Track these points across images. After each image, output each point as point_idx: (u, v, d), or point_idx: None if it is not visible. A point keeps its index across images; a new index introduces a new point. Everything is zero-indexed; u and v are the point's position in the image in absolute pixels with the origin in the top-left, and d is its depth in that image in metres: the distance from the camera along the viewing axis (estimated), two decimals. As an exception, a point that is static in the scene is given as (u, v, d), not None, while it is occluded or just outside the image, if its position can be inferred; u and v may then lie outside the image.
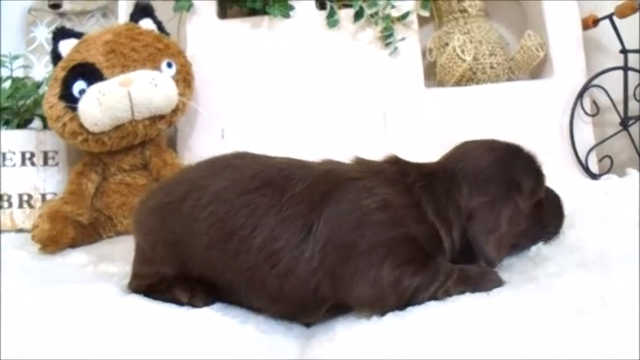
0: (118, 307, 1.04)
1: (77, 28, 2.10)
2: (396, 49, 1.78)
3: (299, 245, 0.93)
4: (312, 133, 1.70)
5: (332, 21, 1.76)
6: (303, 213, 0.95)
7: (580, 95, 1.73)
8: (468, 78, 1.83)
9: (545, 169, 1.15)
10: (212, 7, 1.84)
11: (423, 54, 1.91)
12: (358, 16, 1.76)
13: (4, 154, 1.69)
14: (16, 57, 1.87)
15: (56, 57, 1.61)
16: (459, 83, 1.83)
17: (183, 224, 1.01)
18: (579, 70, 1.76)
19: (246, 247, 0.95)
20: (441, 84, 1.87)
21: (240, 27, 1.83)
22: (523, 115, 1.76)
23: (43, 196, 1.71)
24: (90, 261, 1.40)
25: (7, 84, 1.83)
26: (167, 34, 1.69)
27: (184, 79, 1.60)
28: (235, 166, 1.06)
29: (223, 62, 1.79)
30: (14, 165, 1.69)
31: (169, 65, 1.58)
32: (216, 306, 1.05)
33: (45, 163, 1.72)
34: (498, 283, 0.95)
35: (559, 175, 1.64)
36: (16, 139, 1.70)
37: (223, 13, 1.89)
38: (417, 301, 0.91)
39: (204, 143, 1.71)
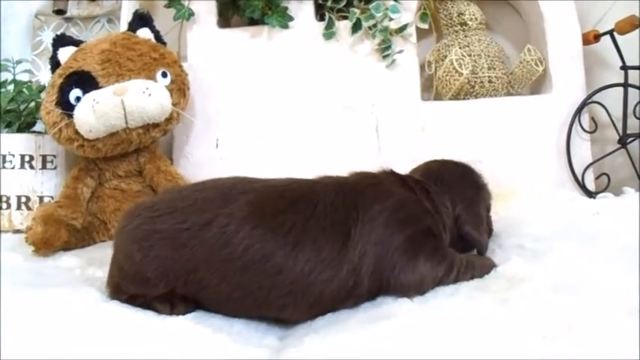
0: (94, 313, 1.05)
1: (83, 33, 2.15)
2: (393, 61, 1.77)
3: (341, 250, 1.01)
4: (307, 144, 1.71)
5: (328, 33, 1.77)
6: (341, 221, 1.03)
7: (578, 111, 1.72)
8: (466, 92, 1.82)
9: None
10: (212, 17, 1.85)
11: (423, 67, 1.90)
12: (356, 28, 1.76)
13: (4, 157, 1.71)
14: (19, 62, 1.90)
15: (55, 64, 1.63)
16: (457, 97, 1.83)
17: (210, 250, 1.01)
18: (578, 86, 1.75)
19: (291, 264, 0.99)
20: (439, 97, 1.86)
21: (239, 36, 1.84)
22: (520, 130, 1.75)
23: (41, 198, 1.74)
24: (79, 265, 1.42)
25: (11, 87, 1.86)
26: (164, 43, 1.70)
27: (179, 88, 1.61)
28: (251, 190, 1.08)
29: (222, 71, 1.80)
30: (13, 167, 1.72)
31: (164, 75, 1.59)
32: (193, 315, 1.06)
33: (43, 166, 1.74)
34: (493, 265, 1.15)
35: (554, 191, 1.67)
36: (15, 142, 1.72)
37: (226, 22, 1.90)
38: (445, 282, 1.07)
39: (199, 151, 1.73)
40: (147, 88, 1.51)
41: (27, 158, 1.73)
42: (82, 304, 1.09)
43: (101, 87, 1.54)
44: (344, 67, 1.80)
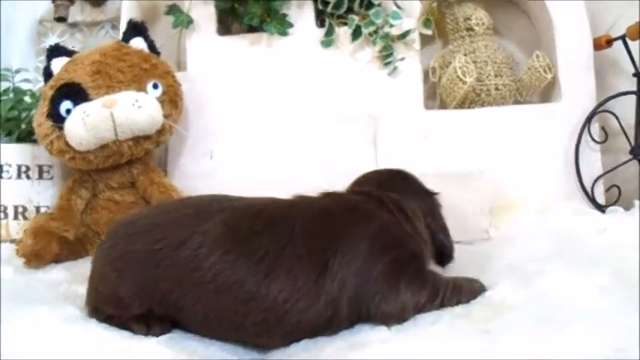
0: (69, 333, 1.03)
1: (88, 40, 2.14)
2: (395, 69, 1.72)
3: (317, 281, 0.96)
4: (302, 156, 1.65)
5: (327, 41, 1.72)
6: (318, 249, 0.99)
7: (588, 120, 1.65)
8: (472, 100, 1.76)
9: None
10: (212, 24, 1.82)
11: (427, 74, 1.84)
12: (356, 35, 1.71)
13: (1, 167, 1.70)
14: (17, 71, 1.89)
15: (48, 75, 1.62)
16: (462, 105, 1.77)
17: (182, 273, 0.99)
18: (588, 94, 1.67)
19: (264, 292, 0.95)
20: (444, 105, 1.80)
21: (238, 44, 1.80)
22: (527, 139, 1.69)
23: (37, 208, 1.72)
24: (66, 279, 1.39)
25: (12, 95, 1.85)
26: (158, 53, 1.67)
27: (170, 99, 1.58)
28: (228, 209, 1.05)
29: (220, 80, 1.76)
30: (10, 177, 1.71)
31: (155, 86, 1.56)
32: (169, 336, 1.03)
33: (40, 176, 1.73)
34: (482, 289, 1.07)
35: (560, 204, 1.60)
36: (12, 152, 1.71)
37: (226, 29, 1.86)
38: (429, 309, 1.01)
39: (194, 163, 1.69)
40: (137, 100, 1.49)
41: (23, 168, 1.72)
42: (59, 324, 1.06)
43: (91, 99, 1.51)
44: (344, 75, 1.75)
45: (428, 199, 1.22)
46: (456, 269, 1.25)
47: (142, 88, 1.54)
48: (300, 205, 1.08)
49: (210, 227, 1.00)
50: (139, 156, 1.58)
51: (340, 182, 1.23)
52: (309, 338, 1.00)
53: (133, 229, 1.07)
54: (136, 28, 1.65)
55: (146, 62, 1.58)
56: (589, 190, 1.64)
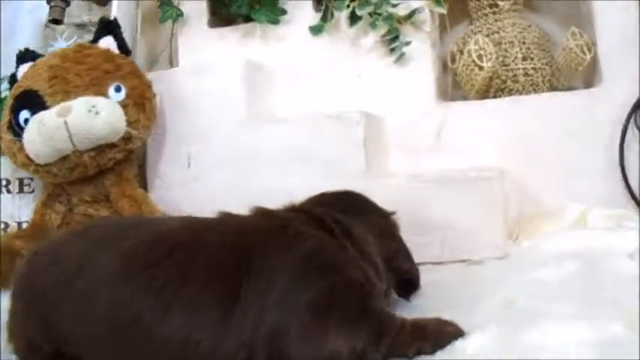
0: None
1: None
2: (402, 55, 1.48)
3: (226, 315, 0.78)
4: (287, 156, 1.41)
5: (317, 27, 1.50)
6: (228, 276, 0.81)
7: (634, 109, 1.34)
8: (497, 88, 1.49)
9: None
10: (204, 16, 1.65)
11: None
12: (354, 18, 1.47)
13: (-18, 181, 1.60)
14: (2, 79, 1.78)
15: (14, 82, 1.50)
16: (485, 94, 1.50)
17: (77, 308, 0.86)
18: (634, 78, 1.36)
19: (163, 329, 0.79)
20: (465, 96, 1.54)
21: (230, 36, 1.63)
22: (560, 133, 1.42)
23: (19, 224, 1.61)
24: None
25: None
26: (128, 52, 1.51)
27: (136, 103, 1.41)
28: (132, 234, 0.91)
29: (206, 75, 1.55)
30: (-9, 192, 1.60)
31: (118, 89, 1.40)
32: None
33: (20, 190, 1.61)
34: (458, 332, 0.82)
35: (602, 206, 1.31)
36: None
37: (221, 21, 1.68)
38: (370, 356, 0.77)
39: (171, 171, 1.51)
40: (93, 107, 1.33)
41: (4, 182, 1.60)
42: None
43: (48, 106, 1.38)
44: (344, 65, 1.53)
45: (382, 220, 1.03)
46: (438, 302, 1.02)
47: (102, 92, 1.39)
48: (216, 226, 0.91)
49: (108, 256, 0.86)
50: (108, 166, 1.42)
51: (325, 186, 1.07)
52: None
53: (41, 261, 0.94)
54: (107, 27, 1.49)
55: (109, 63, 1.42)
56: (636, 192, 1.33)
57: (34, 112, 1.38)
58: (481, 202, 1.26)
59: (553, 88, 1.50)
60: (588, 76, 1.50)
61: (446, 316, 0.86)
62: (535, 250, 1.23)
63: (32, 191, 1.62)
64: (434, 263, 1.27)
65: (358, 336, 0.77)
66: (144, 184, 1.54)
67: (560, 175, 1.40)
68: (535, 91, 1.48)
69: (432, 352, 0.79)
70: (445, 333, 0.81)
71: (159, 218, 1.01)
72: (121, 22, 1.66)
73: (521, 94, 1.48)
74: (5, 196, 1.61)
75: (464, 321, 0.87)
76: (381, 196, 1.23)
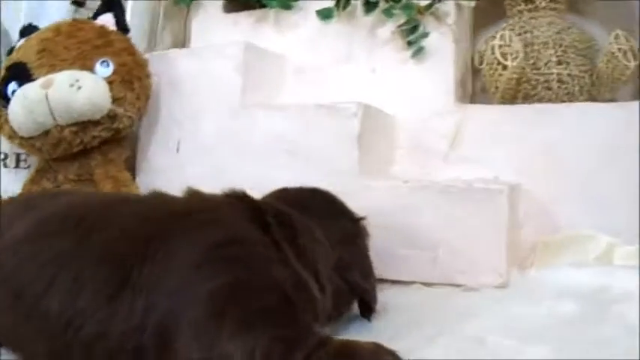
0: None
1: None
2: (421, 49, 1.33)
3: (111, 298, 0.70)
4: (276, 147, 1.27)
5: (325, 12, 1.38)
6: (117, 257, 0.73)
7: (681, 127, 1.15)
8: (526, 94, 1.31)
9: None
10: (218, 1, 1.56)
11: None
12: (370, 6, 1.34)
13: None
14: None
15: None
16: (513, 99, 1.33)
17: None
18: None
19: (42, 309, 0.72)
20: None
21: (243, 21, 1.53)
22: (591, 150, 1.22)
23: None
24: None
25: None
26: (126, 30, 1.44)
27: (123, 79, 1.33)
28: (46, 205, 0.87)
29: (215, 62, 1.45)
30: (-10, 165, 1.55)
31: (105, 64, 1.32)
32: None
33: (17, 165, 1.55)
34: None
35: (632, 241, 1.12)
36: None
37: (238, 5, 1.58)
38: None
39: (161, 156, 1.40)
40: (77, 81, 1.27)
41: (2, 156, 1.55)
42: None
43: (34, 79, 1.32)
44: (357, 56, 1.39)
45: (348, 225, 0.91)
46: (402, 326, 0.87)
47: (88, 67, 1.31)
48: (134, 204, 0.84)
49: (21, 225, 0.82)
50: (93, 145, 1.35)
51: (311, 181, 0.99)
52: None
53: None
54: (108, 4, 1.43)
55: (100, 38, 1.35)
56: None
57: (21, 83, 1.33)
58: (483, 219, 1.09)
59: (591, 100, 1.31)
60: (635, 87, 1.31)
61: (401, 343, 0.72)
62: (540, 282, 1.06)
63: (28, 167, 1.55)
64: (423, 283, 1.12)
65: (257, 342, 0.63)
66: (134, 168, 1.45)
67: (588, 200, 1.21)
68: (569, 101, 1.29)
69: None
70: None
71: (91, 192, 0.97)
72: (143, 7, 1.61)
73: (553, 102, 1.30)
74: (3, 170, 1.57)
75: (419, 352, 0.73)
76: (368, 199, 1.12)
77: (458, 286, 1.09)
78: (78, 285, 0.71)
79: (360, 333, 0.83)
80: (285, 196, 0.93)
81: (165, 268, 0.70)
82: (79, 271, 0.72)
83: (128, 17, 1.56)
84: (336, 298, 0.84)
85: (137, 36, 1.54)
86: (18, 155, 1.55)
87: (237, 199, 0.83)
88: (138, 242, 0.73)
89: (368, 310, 0.90)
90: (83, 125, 1.30)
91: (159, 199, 0.83)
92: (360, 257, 0.89)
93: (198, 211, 0.78)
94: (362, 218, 0.94)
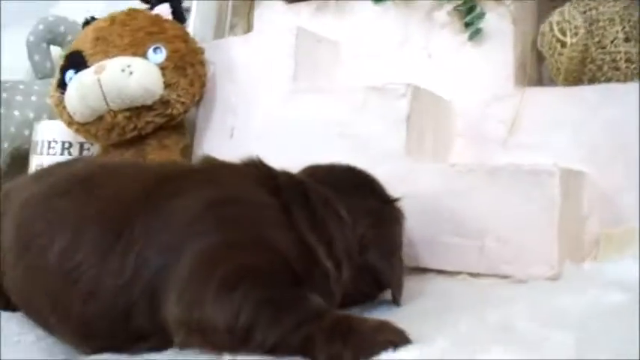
0: None
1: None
2: (478, 31, 1.27)
3: (105, 255, 0.72)
4: (332, 133, 1.24)
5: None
6: (114, 213, 0.75)
7: None
8: (592, 76, 1.22)
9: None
10: (279, -7, 1.55)
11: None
12: (426, -12, 1.29)
13: (49, 143, 1.61)
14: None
15: (73, 46, 1.52)
16: (578, 82, 1.24)
17: (4, 237, 0.86)
18: None
19: (45, 263, 0.76)
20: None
21: (304, 10, 1.51)
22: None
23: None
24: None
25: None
26: (182, 20, 1.47)
27: (176, 66, 1.35)
28: (61, 170, 0.92)
29: (274, 51, 1.45)
30: (55, 154, 1.61)
31: (157, 50, 1.35)
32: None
33: (80, 153, 1.60)
34: (399, 340, 0.63)
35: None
36: (58, 129, 1.58)
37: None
38: (254, 343, 0.61)
39: (215, 142, 1.41)
40: (128, 66, 1.30)
41: (67, 145, 1.60)
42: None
43: (89, 66, 1.36)
44: (413, 43, 1.35)
45: (377, 205, 0.87)
46: (426, 313, 0.83)
47: (140, 53, 1.35)
48: (141, 166, 0.89)
49: (36, 188, 0.87)
50: (148, 131, 1.38)
51: (359, 163, 0.97)
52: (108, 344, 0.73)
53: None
54: (166, -5, 1.46)
55: (154, 26, 1.39)
56: None
57: (77, 71, 1.37)
58: (533, 205, 1.02)
59: (667, 81, 1.21)
60: None
61: (418, 327, 0.68)
62: (594, 274, 0.98)
63: (91, 155, 1.61)
64: (469, 274, 1.06)
65: (242, 305, 0.62)
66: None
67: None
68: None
69: (354, 358, 0.61)
70: (377, 342, 0.62)
71: (107, 159, 1.00)
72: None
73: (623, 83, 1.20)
74: (67, 158, 1.62)
75: (433, 335, 0.68)
76: (414, 182, 1.08)
77: (506, 277, 1.03)
78: (76, 241, 0.74)
79: (381, 316, 0.79)
80: (315, 172, 0.90)
81: (159, 226, 0.71)
82: (78, 228, 0.75)
83: (192, 18, 1.59)
84: (360, 278, 0.80)
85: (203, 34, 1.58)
86: (82, 144, 1.61)
87: (252, 166, 0.83)
88: (135, 200, 0.75)
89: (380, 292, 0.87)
90: (136, 111, 1.33)
91: (169, 163, 0.84)
92: (384, 238, 0.85)
93: (198, 171, 0.79)
94: (395, 200, 0.90)
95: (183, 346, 0.67)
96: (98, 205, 0.76)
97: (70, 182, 0.83)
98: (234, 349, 0.63)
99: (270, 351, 0.61)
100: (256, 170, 0.82)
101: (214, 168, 0.82)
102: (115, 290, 0.70)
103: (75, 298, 0.73)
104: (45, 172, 0.95)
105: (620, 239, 1.11)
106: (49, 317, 0.79)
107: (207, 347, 0.65)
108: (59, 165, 0.98)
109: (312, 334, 0.62)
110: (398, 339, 0.63)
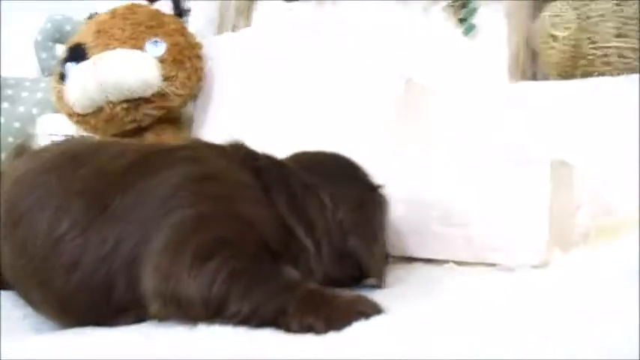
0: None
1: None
2: (472, 27, 1.28)
3: (87, 227, 0.74)
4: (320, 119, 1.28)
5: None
6: (97, 188, 0.76)
7: None
8: (584, 71, 1.24)
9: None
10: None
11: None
12: (421, -17, 1.31)
13: (50, 136, 1.62)
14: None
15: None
16: (570, 77, 1.26)
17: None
18: None
19: (32, 236, 0.77)
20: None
21: (303, 8, 1.54)
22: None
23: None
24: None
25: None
26: (181, 15, 1.50)
27: (174, 59, 1.38)
28: (54, 147, 0.94)
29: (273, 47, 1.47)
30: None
31: (157, 44, 1.39)
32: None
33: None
34: (371, 310, 0.65)
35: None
36: (59, 123, 1.59)
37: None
38: (228, 314, 0.63)
39: (211, 137, 1.43)
40: (127, 58, 1.35)
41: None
42: None
43: (89, 58, 1.39)
44: (410, 36, 1.37)
45: (359, 191, 0.87)
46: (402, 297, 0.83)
47: (139, 46, 1.38)
48: (127, 144, 0.88)
49: (29, 165, 0.88)
50: (146, 123, 1.42)
51: (348, 148, 0.97)
52: (89, 317, 0.74)
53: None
54: (166, -11, 1.49)
55: (153, 20, 1.42)
56: None
57: (77, 62, 1.40)
58: (522, 193, 1.03)
59: (657, 75, 1.21)
60: None
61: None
62: (585, 262, 0.98)
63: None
64: (456, 262, 1.06)
65: (215, 277, 0.63)
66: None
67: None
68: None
69: (324, 331, 0.62)
70: (349, 314, 0.63)
71: (101, 139, 1.04)
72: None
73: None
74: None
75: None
76: (400, 169, 1.08)
77: (491, 265, 1.03)
78: (61, 213, 0.75)
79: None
80: (301, 157, 0.91)
81: (139, 200, 0.73)
82: (63, 202, 0.76)
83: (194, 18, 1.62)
84: (342, 263, 0.81)
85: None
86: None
87: (235, 147, 0.84)
88: (118, 175, 0.76)
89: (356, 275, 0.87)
90: (135, 102, 1.36)
91: (155, 143, 0.86)
92: (365, 224, 0.85)
93: (180, 148, 0.80)
94: (379, 186, 0.91)
95: (160, 317, 0.68)
96: (83, 180, 0.78)
97: (58, 159, 0.84)
98: (208, 320, 0.64)
99: (244, 321, 0.63)
100: (239, 151, 0.83)
101: (197, 147, 0.83)
102: (97, 262, 0.72)
103: (58, 269, 0.74)
104: (39, 151, 0.97)
105: (613, 229, 1.11)
106: (34, 292, 0.80)
107: (182, 318, 0.66)
108: (53, 144, 1.00)
109: (285, 305, 0.63)
110: (370, 310, 0.65)
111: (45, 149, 0.95)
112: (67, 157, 0.84)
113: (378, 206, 0.88)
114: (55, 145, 0.98)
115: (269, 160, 0.82)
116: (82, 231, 0.73)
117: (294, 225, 0.75)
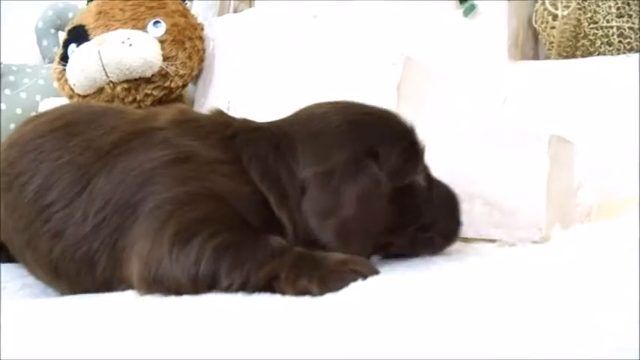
0: None
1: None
2: (472, 7, 1.28)
3: (71, 201, 0.76)
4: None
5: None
6: (84, 163, 0.78)
7: None
8: (585, 51, 1.23)
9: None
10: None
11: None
12: (420, -38, 1.31)
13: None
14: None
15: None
16: (571, 56, 1.25)
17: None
18: None
19: (23, 198, 0.80)
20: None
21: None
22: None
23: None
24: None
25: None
26: None
27: (174, 39, 1.39)
28: (51, 111, 0.96)
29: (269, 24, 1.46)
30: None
31: (157, 24, 1.39)
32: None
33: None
34: (369, 271, 0.64)
35: None
36: None
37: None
38: (221, 287, 0.64)
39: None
40: (128, 38, 1.34)
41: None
42: None
43: (90, 39, 1.40)
44: (409, 15, 1.36)
45: (350, 148, 0.77)
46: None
47: (140, 26, 1.39)
48: (119, 116, 0.87)
49: (25, 129, 0.91)
50: (147, 104, 1.41)
51: None
52: (76, 287, 0.77)
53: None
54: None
55: (154, 0, 1.42)
56: None
57: (79, 45, 1.41)
58: (522, 168, 1.03)
59: (660, 55, 1.21)
60: None
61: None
62: (585, 238, 0.98)
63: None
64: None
65: (201, 253, 0.64)
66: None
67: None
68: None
69: (319, 294, 0.62)
70: (344, 274, 0.63)
71: (99, 105, 1.07)
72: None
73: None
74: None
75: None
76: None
77: (492, 241, 1.03)
78: (49, 181, 0.78)
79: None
80: (299, 115, 0.86)
81: (119, 182, 0.75)
82: (53, 170, 0.79)
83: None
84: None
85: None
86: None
87: (214, 115, 0.86)
88: (103, 152, 0.78)
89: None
90: (135, 83, 1.36)
91: (149, 117, 0.85)
92: (323, 192, 0.75)
93: (159, 129, 0.80)
94: (375, 153, 0.81)
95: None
96: (73, 152, 0.80)
97: (54, 125, 0.86)
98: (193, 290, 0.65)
99: (240, 287, 0.64)
100: (211, 119, 0.84)
101: (179, 124, 0.82)
102: (78, 236, 0.74)
103: (44, 235, 0.77)
104: (40, 114, 0.99)
105: (616, 209, 1.11)
106: (25, 253, 0.83)
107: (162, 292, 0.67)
108: (55, 108, 0.99)
109: (276, 271, 0.63)
110: (366, 270, 0.64)
111: (43, 114, 0.97)
112: (62, 124, 0.85)
113: (363, 175, 0.75)
114: (53, 110, 0.97)
115: (240, 125, 0.82)
116: (68, 202, 0.76)
117: (267, 195, 0.74)
